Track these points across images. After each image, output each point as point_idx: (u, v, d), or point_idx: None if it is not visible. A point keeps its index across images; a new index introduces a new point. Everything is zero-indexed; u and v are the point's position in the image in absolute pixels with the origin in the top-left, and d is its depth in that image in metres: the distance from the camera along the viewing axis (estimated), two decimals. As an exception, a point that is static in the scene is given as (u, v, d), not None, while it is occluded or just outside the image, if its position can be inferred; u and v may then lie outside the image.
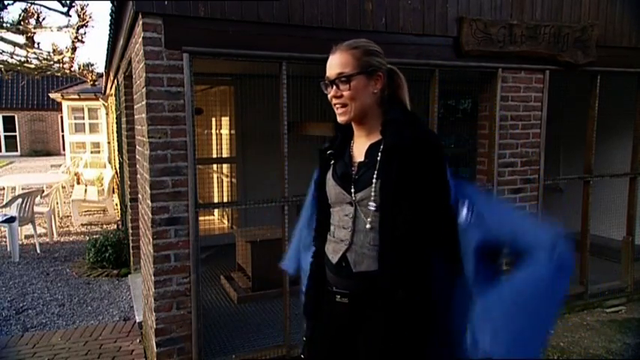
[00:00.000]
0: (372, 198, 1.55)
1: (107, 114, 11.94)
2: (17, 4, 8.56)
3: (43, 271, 5.79)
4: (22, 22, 8.48)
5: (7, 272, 5.74)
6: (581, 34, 3.94)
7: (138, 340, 3.87)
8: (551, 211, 5.34)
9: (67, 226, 8.33)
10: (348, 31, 3.23)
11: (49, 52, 9.56)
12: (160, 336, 3.07)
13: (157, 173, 2.95)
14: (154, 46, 2.86)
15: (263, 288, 4.45)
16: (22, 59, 9.42)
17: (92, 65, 10.90)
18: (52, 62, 9.74)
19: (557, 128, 4.94)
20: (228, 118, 6.64)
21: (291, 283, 3.41)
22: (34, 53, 9.33)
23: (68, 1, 8.45)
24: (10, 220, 6.16)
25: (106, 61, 6.83)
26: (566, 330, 4.01)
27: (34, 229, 6.69)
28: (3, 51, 9.19)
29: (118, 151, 7.08)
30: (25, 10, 8.47)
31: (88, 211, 9.18)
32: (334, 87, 1.60)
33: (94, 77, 10.96)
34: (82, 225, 8.34)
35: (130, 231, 5.32)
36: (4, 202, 6.94)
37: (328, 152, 1.73)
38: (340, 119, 1.63)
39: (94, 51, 52.02)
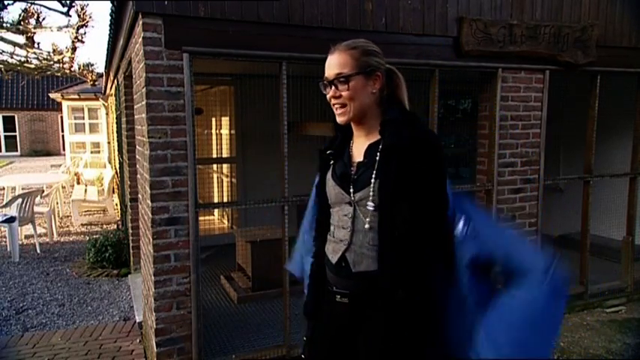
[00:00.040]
0: (371, 198, 1.55)
1: (107, 114, 11.94)
2: (17, 4, 8.56)
3: (43, 271, 5.79)
4: (22, 22, 8.48)
5: (7, 272, 5.74)
6: (581, 34, 3.94)
7: (138, 340, 3.87)
8: (551, 211, 5.35)
9: (67, 226, 8.33)
10: (348, 31, 3.23)
11: (49, 52, 9.56)
12: (160, 336, 3.07)
13: (157, 173, 2.95)
14: (153, 46, 2.86)
15: (263, 288, 4.45)
16: (22, 59, 9.42)
17: (92, 65, 10.91)
18: (52, 62, 9.74)
19: (557, 128, 4.93)
20: (228, 118, 6.64)
21: (291, 283, 3.42)
22: (34, 53, 9.33)
23: (68, 1, 8.45)
24: (10, 220, 6.16)
25: (106, 61, 6.83)
26: (566, 330, 4.01)
27: (34, 229, 6.69)
28: (3, 51, 9.19)
29: (118, 151, 7.08)
30: (25, 10, 8.47)
31: (88, 211, 9.18)
32: (333, 87, 1.60)
33: (94, 77, 10.96)
34: (82, 225, 8.34)
35: (130, 231, 5.32)
36: (4, 202, 6.94)
37: (327, 152, 1.73)
38: (340, 120, 1.64)
39: (94, 51, 52.11)
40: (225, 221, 7.05)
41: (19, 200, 6.40)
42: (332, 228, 1.69)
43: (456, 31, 3.60)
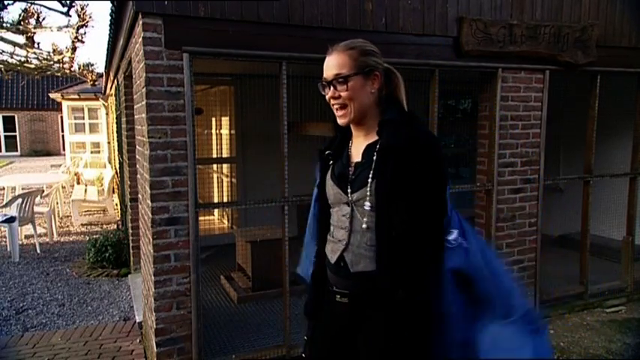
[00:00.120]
0: (368, 198, 1.55)
1: (107, 114, 11.94)
2: (17, 4, 8.56)
3: (43, 271, 5.79)
4: (22, 22, 8.47)
5: (7, 272, 5.74)
6: (581, 34, 3.94)
7: (138, 340, 3.87)
8: (551, 211, 5.35)
9: (67, 226, 8.33)
10: (348, 31, 3.23)
11: (49, 52, 9.56)
12: (160, 336, 3.07)
13: (157, 173, 2.95)
14: (154, 46, 2.86)
15: (263, 288, 4.45)
16: (22, 59, 9.42)
17: (92, 65, 10.91)
18: (52, 62, 9.74)
19: (557, 128, 4.94)
20: (228, 118, 6.64)
21: (291, 283, 3.42)
22: (34, 53, 9.33)
23: (68, 1, 8.44)
24: (10, 220, 6.16)
25: (106, 61, 6.83)
26: (566, 330, 4.01)
27: (34, 229, 6.69)
28: (3, 51, 9.19)
29: (118, 151, 7.08)
30: (25, 10, 8.46)
31: (88, 211, 9.18)
32: (332, 88, 1.60)
33: (94, 77, 10.96)
34: (82, 225, 8.34)
35: (130, 231, 5.32)
36: (4, 202, 6.94)
37: (327, 153, 1.74)
38: (340, 121, 1.64)
39: (94, 51, 52.05)
40: (225, 221, 7.05)
41: (19, 200, 6.40)
42: (332, 228, 1.69)
43: (456, 31, 3.60)
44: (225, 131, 6.81)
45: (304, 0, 3.15)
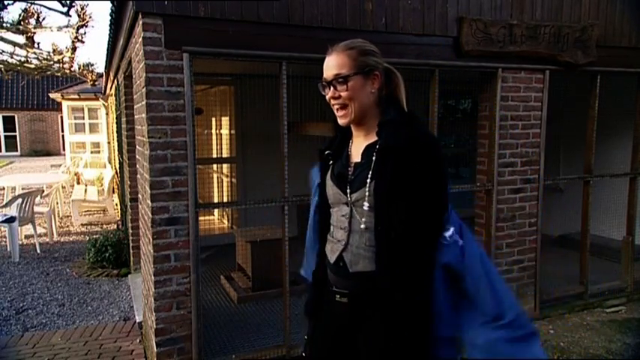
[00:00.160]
0: (366, 198, 1.55)
1: (107, 114, 11.94)
2: (17, 4, 8.56)
3: (43, 271, 5.79)
4: (22, 22, 8.47)
5: (7, 272, 5.74)
6: (581, 34, 3.94)
7: (138, 340, 3.87)
8: (551, 211, 5.35)
9: (67, 226, 8.33)
10: (348, 31, 3.23)
11: (49, 52, 9.56)
12: (160, 336, 3.07)
13: (157, 173, 2.95)
14: (154, 46, 2.86)
15: (263, 288, 4.45)
16: (22, 59, 9.42)
17: (92, 65, 10.91)
18: (52, 62, 9.74)
19: (557, 128, 4.94)
20: (228, 118, 6.65)
21: (291, 283, 3.42)
22: (34, 53, 9.33)
23: (68, 1, 8.45)
24: (10, 220, 6.16)
25: (106, 61, 6.83)
26: (566, 330, 4.01)
27: (34, 229, 6.69)
28: (3, 51, 9.19)
29: (118, 151, 7.08)
30: (25, 10, 8.47)
31: (88, 211, 9.18)
32: (332, 88, 1.60)
33: (94, 77, 10.96)
34: (82, 225, 8.34)
35: (130, 231, 5.32)
36: (4, 202, 6.94)
37: (326, 153, 1.74)
38: (341, 122, 1.64)
39: (94, 51, 52.02)
40: (225, 221, 7.05)
41: (19, 200, 6.40)
42: (332, 228, 1.70)
43: (456, 31, 3.60)
44: (225, 131, 6.81)
45: (304, 0, 3.15)
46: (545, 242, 4.34)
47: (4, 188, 9.35)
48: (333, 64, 1.59)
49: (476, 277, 1.54)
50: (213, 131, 7.17)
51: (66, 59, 9.70)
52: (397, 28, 3.43)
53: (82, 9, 8.97)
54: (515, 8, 3.77)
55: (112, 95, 8.26)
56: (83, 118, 14.08)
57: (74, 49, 9.52)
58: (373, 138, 1.61)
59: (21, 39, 8.91)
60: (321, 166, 1.77)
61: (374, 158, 1.56)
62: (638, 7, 4.26)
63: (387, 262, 1.53)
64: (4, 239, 6.85)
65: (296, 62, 3.21)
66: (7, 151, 24.58)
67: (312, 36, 3.19)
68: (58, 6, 8.47)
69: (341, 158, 1.70)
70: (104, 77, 9.21)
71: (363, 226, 1.58)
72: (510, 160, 3.95)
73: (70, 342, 3.87)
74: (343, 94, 1.58)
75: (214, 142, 7.03)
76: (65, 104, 13.70)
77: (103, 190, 9.63)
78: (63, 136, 18.40)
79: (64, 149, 18.32)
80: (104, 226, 8.17)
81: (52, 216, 7.37)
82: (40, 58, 9.54)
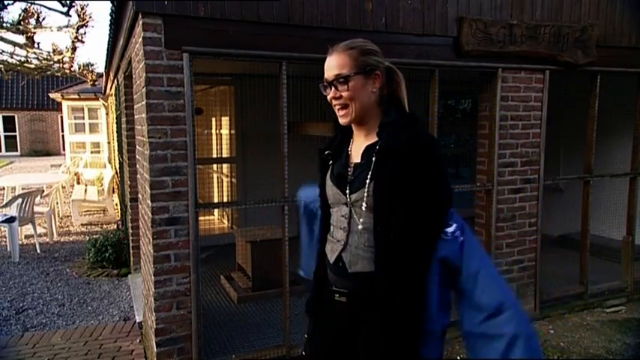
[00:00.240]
0: (365, 199, 1.55)
1: (107, 114, 11.95)
2: (17, 4, 8.57)
3: (43, 271, 5.79)
4: (22, 22, 8.48)
5: (7, 272, 5.74)
6: (581, 34, 3.94)
7: (138, 340, 3.87)
8: (551, 211, 5.35)
9: (67, 226, 8.33)
10: (348, 31, 3.23)
11: (49, 52, 9.56)
12: (160, 336, 3.07)
13: (156, 173, 2.95)
14: (154, 46, 2.86)
15: (263, 288, 4.45)
16: (22, 59, 9.42)
17: (92, 65, 10.91)
18: (52, 62, 9.74)
19: (557, 128, 4.94)
20: (228, 118, 6.65)
21: (291, 283, 3.42)
22: (34, 53, 9.33)
23: (68, 1, 8.45)
24: (10, 220, 6.16)
25: (106, 61, 6.83)
26: (566, 330, 4.01)
27: (34, 229, 6.69)
28: (3, 51, 9.19)
29: (118, 151, 7.08)
30: (25, 10, 8.47)
31: (88, 211, 9.18)
32: (333, 88, 1.60)
33: (94, 77, 10.96)
34: (82, 225, 8.34)
35: (130, 231, 5.32)
36: (4, 202, 6.94)
37: (326, 153, 1.74)
38: (342, 121, 1.64)
39: (94, 51, 52.04)
40: (225, 221, 7.05)
41: (19, 200, 6.40)
42: (331, 228, 1.70)
43: (456, 31, 3.60)
44: (225, 131, 6.81)
45: (304, 0, 3.15)
46: (545, 242, 4.34)
47: (4, 188, 9.35)
48: (333, 65, 1.59)
49: (473, 272, 1.53)
50: (213, 131, 7.17)
51: (66, 59, 9.70)
52: (397, 28, 3.43)
53: (82, 9, 8.98)
54: (515, 8, 3.77)
55: (112, 95, 8.26)
56: (83, 118, 14.08)
57: (74, 49, 9.52)
58: (373, 138, 1.61)
59: (21, 39, 8.92)
60: (320, 166, 1.77)
61: (374, 159, 1.56)
62: (638, 7, 4.26)
63: (386, 263, 1.53)
64: (4, 239, 6.85)
65: (296, 62, 3.21)
66: (7, 151, 24.58)
67: (312, 36, 3.19)
68: (58, 6, 8.48)
69: (340, 158, 1.70)
70: (104, 77, 9.21)
71: (361, 226, 1.58)
72: (510, 160, 3.95)
73: (70, 342, 3.87)
74: (344, 94, 1.58)
75: (214, 142, 7.03)
76: (65, 104, 13.71)
77: (103, 190, 9.63)
78: (63, 136, 18.40)
79: (64, 149, 18.32)
80: (104, 226, 8.17)
81: (52, 216, 7.37)
82: (40, 58, 9.55)
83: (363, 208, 1.56)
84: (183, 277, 3.08)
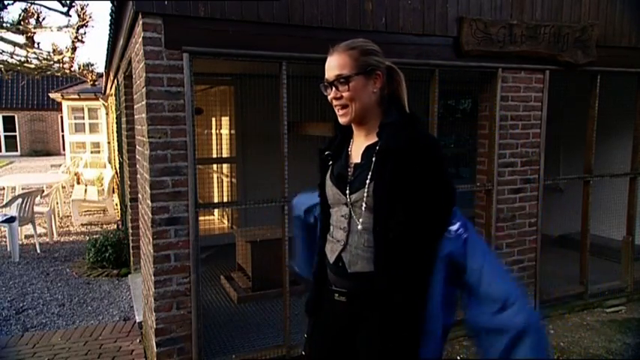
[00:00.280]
0: (365, 199, 1.55)
1: (107, 114, 11.95)
2: (17, 4, 8.57)
3: (43, 271, 5.79)
4: (22, 22, 8.48)
5: (7, 272, 5.74)
6: (581, 34, 3.94)
7: (138, 340, 3.87)
8: (551, 211, 5.35)
9: (67, 226, 8.33)
10: (348, 31, 3.23)
11: (49, 52, 9.56)
12: (160, 336, 3.07)
13: (156, 173, 2.95)
14: (154, 46, 2.86)
15: (263, 288, 4.45)
16: (22, 59, 9.42)
17: (92, 65, 10.91)
18: (52, 62, 9.74)
19: (557, 128, 4.94)
20: (228, 118, 6.64)
21: (291, 283, 3.42)
22: (34, 53, 9.33)
23: (68, 1, 8.45)
24: (10, 220, 6.16)
25: (106, 61, 6.83)
26: (566, 330, 4.01)
27: (34, 229, 6.69)
28: (3, 51, 9.19)
29: (118, 151, 7.08)
30: (25, 10, 8.47)
31: (88, 211, 9.18)
32: (333, 89, 1.60)
33: (94, 77, 10.97)
34: (82, 225, 8.34)
35: (130, 231, 5.32)
36: (4, 202, 6.94)
37: (326, 153, 1.73)
38: (342, 120, 1.64)
39: (94, 51, 52.04)
40: (225, 221, 7.05)
41: (19, 200, 6.40)
42: (331, 228, 1.70)
43: (456, 31, 3.60)
44: (225, 131, 6.81)
45: (304, 0, 3.15)
46: (545, 242, 4.34)
47: (4, 188, 9.35)
48: (334, 65, 1.59)
49: (477, 267, 1.52)
50: (213, 131, 7.17)
51: (66, 59, 9.70)
52: (397, 28, 3.43)
53: (82, 9, 8.98)
54: (515, 8, 3.77)
55: (112, 95, 8.26)
56: (83, 118, 14.09)
57: (74, 49, 9.52)
58: (374, 139, 1.61)
59: (21, 39, 8.92)
60: (320, 166, 1.77)
61: (374, 159, 1.56)
62: (638, 7, 4.26)
63: (385, 263, 1.53)
64: (4, 239, 6.85)
65: (296, 62, 3.21)
66: (7, 151, 24.59)
67: (312, 36, 3.19)
68: (58, 6, 8.48)
69: (340, 158, 1.70)
70: (104, 77, 9.21)
71: (361, 226, 1.58)
72: (510, 160, 3.95)
73: (70, 342, 3.87)
74: (345, 94, 1.58)
75: (214, 142, 7.03)
76: (65, 104, 13.71)
77: (103, 190, 9.63)
78: (63, 136, 18.40)
79: (64, 149, 18.32)
80: (104, 226, 8.17)
81: (52, 216, 7.37)
82: (40, 58, 9.55)
83: (363, 209, 1.56)
84: (183, 277, 3.08)
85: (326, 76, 1.61)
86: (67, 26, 9.16)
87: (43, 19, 8.75)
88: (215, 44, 3.00)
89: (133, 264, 5.40)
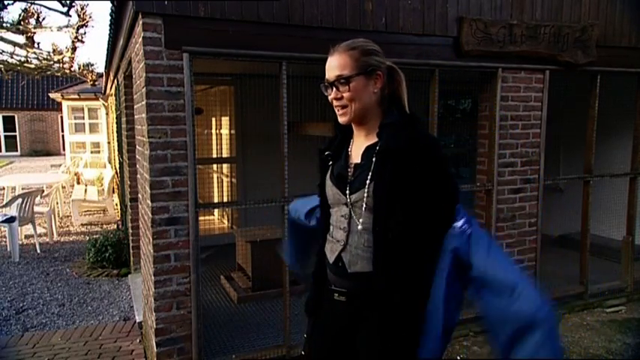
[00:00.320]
0: (365, 200, 1.55)
1: (107, 114, 11.95)
2: (17, 4, 8.58)
3: (43, 271, 5.79)
4: (22, 22, 8.48)
5: (7, 272, 5.74)
6: (581, 34, 3.94)
7: (138, 340, 3.87)
8: (551, 211, 5.35)
9: (67, 226, 8.33)
10: (348, 31, 3.23)
11: (49, 52, 9.56)
12: (160, 336, 3.07)
13: (156, 173, 2.95)
14: (154, 46, 2.86)
15: (263, 288, 4.45)
16: (22, 59, 9.42)
17: (92, 65, 10.92)
18: (52, 62, 9.74)
19: (557, 128, 4.94)
20: (228, 118, 6.64)
21: (291, 283, 3.42)
22: (34, 53, 9.33)
23: (68, 1, 8.45)
24: (10, 220, 6.16)
25: (106, 61, 6.83)
26: (566, 330, 4.00)
27: (34, 229, 6.69)
28: (3, 51, 9.19)
29: (118, 151, 7.08)
30: (25, 10, 8.47)
31: (88, 211, 9.18)
32: (334, 89, 1.60)
33: (94, 77, 10.97)
34: (82, 225, 8.34)
35: (130, 231, 5.32)
36: (4, 202, 6.94)
37: (326, 153, 1.73)
38: (341, 120, 1.64)
39: (94, 51, 52.03)
40: (225, 221, 7.05)
41: (19, 200, 6.40)
42: (331, 228, 1.70)
43: (456, 31, 3.60)
44: (225, 131, 6.81)
45: (304, 0, 3.15)
46: (545, 242, 4.34)
47: (4, 188, 9.35)
48: (335, 65, 1.58)
49: (481, 260, 1.49)
50: (213, 131, 7.17)
51: (66, 59, 9.70)
52: (397, 28, 3.43)
53: (82, 9, 8.98)
54: (515, 8, 3.77)
55: (112, 95, 8.26)
56: (83, 118, 14.08)
57: (74, 49, 9.52)
58: (374, 139, 1.61)
59: (21, 39, 8.92)
60: (320, 166, 1.77)
61: (374, 160, 1.56)
62: (638, 7, 4.26)
63: (384, 263, 1.53)
64: (4, 239, 6.85)
65: (296, 62, 3.21)
66: (7, 151, 24.58)
67: (312, 36, 3.19)
68: (58, 6, 8.48)
69: (340, 159, 1.70)
70: (104, 77, 9.21)
71: (361, 227, 1.58)
72: (510, 160, 3.95)
73: (70, 342, 3.87)
74: (345, 94, 1.58)
75: (214, 142, 7.03)
76: (65, 104, 13.71)
77: (103, 190, 9.63)
78: (63, 136, 18.40)
79: (64, 149, 18.32)
80: (104, 226, 8.17)
81: (52, 216, 7.37)
82: (40, 58, 9.55)
83: (363, 209, 1.56)
84: (183, 277, 3.08)
85: (326, 76, 1.61)
86: (67, 26, 9.16)
87: (43, 19, 8.76)
88: (215, 44, 3.00)
89: (133, 264, 5.40)
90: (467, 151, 7.03)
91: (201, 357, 3.17)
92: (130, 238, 5.36)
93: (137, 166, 3.80)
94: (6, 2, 8.00)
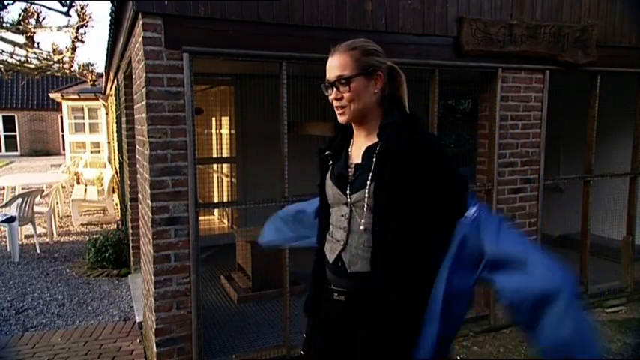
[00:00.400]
0: (366, 200, 1.55)
1: (107, 114, 11.95)
2: (17, 4, 8.58)
3: (43, 271, 5.79)
4: (22, 22, 8.48)
5: (7, 272, 5.74)
6: (581, 34, 3.94)
7: (138, 340, 3.87)
8: (551, 211, 5.35)
9: (67, 226, 8.33)
10: (348, 31, 3.23)
11: (49, 52, 9.57)
12: (159, 336, 3.07)
13: (157, 173, 2.95)
14: (153, 46, 2.86)
15: (263, 288, 4.45)
16: (22, 59, 9.43)
17: (92, 65, 10.92)
18: (52, 62, 9.74)
19: (557, 128, 4.93)
20: (228, 118, 6.65)
21: (291, 283, 3.43)
22: (34, 53, 9.33)
23: (68, 1, 8.45)
24: (10, 220, 6.16)
25: (106, 61, 6.83)
26: (566, 330, 4.00)
27: (34, 229, 6.69)
28: (3, 51, 9.20)
29: (118, 151, 7.08)
30: (25, 10, 8.48)
31: (88, 211, 9.18)
32: (335, 89, 1.60)
33: (94, 77, 10.97)
34: (82, 225, 8.34)
35: (130, 231, 5.32)
36: (4, 202, 6.94)
37: (326, 153, 1.73)
38: (341, 119, 1.64)
39: (94, 51, 52.09)
40: (225, 221, 7.05)
41: (19, 200, 6.40)
42: (331, 228, 1.70)
43: (456, 31, 3.60)
44: (225, 131, 6.81)
45: (304, 0, 3.15)
46: (545, 242, 4.34)
47: (4, 188, 9.35)
48: (335, 65, 1.58)
49: (492, 240, 1.44)
50: (213, 131, 7.17)
51: (66, 59, 9.71)
52: (397, 28, 3.43)
53: (82, 9, 8.99)
54: (515, 8, 3.77)
55: (112, 95, 8.26)
56: (83, 118, 14.09)
57: (74, 49, 9.53)
58: (374, 139, 1.61)
59: (21, 39, 8.92)
60: (320, 166, 1.77)
61: (374, 160, 1.56)
62: (638, 7, 4.26)
63: (382, 263, 1.53)
64: (4, 239, 6.85)
65: (296, 62, 3.21)
66: (7, 151, 24.59)
67: (312, 36, 3.19)
68: (58, 6, 8.48)
69: (340, 159, 1.70)
70: (104, 77, 9.21)
71: (362, 227, 1.58)
72: (510, 160, 3.95)
73: (70, 342, 3.87)
74: (346, 95, 1.57)
75: (214, 142, 7.03)
76: (65, 104, 13.71)
77: (103, 190, 9.63)
78: (63, 136, 18.40)
79: (64, 149, 18.33)
80: (104, 226, 8.17)
81: (52, 216, 7.37)
82: (40, 58, 9.55)
83: (364, 209, 1.56)
84: (183, 277, 3.08)
85: (327, 76, 1.61)
86: (67, 26, 9.16)
87: (43, 19, 8.76)
88: (215, 44, 3.00)
89: (133, 264, 5.39)
90: (467, 151, 7.02)
91: (201, 357, 3.17)
92: (130, 238, 5.36)
93: (137, 166, 3.80)
94: (6, 2, 8.00)
